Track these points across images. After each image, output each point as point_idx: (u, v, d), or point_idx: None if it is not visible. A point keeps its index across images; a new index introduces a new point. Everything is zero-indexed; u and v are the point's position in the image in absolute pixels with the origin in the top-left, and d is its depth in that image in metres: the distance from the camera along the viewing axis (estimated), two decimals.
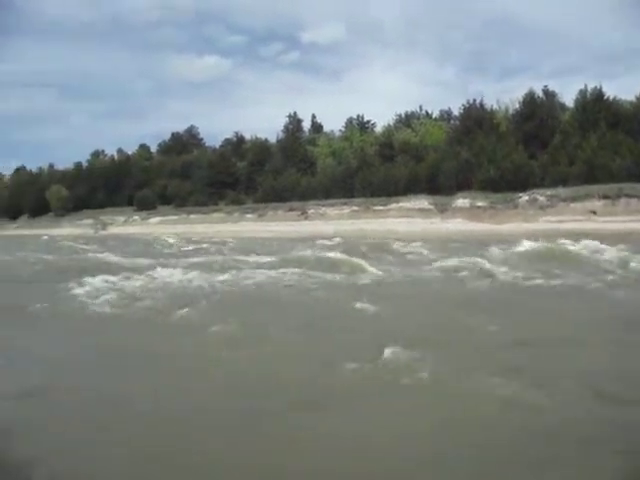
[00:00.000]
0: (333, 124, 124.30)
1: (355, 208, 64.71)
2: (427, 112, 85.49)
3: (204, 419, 6.08)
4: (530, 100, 66.40)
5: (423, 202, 60.22)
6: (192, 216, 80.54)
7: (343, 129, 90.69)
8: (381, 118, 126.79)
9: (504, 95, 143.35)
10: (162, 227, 72.82)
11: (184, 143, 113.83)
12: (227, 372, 7.66)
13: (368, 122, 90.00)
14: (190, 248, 34.52)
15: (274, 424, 5.80)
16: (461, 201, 57.72)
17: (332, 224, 56.93)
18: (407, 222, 54.13)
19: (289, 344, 8.99)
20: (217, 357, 8.35)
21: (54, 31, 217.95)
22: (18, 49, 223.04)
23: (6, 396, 6.92)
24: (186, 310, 11.85)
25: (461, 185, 59.87)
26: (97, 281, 16.75)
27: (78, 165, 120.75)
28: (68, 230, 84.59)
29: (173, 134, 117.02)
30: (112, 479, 4.96)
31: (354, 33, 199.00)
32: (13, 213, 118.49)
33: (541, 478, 4.66)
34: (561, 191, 52.92)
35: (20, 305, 14.14)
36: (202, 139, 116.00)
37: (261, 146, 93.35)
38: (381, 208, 62.01)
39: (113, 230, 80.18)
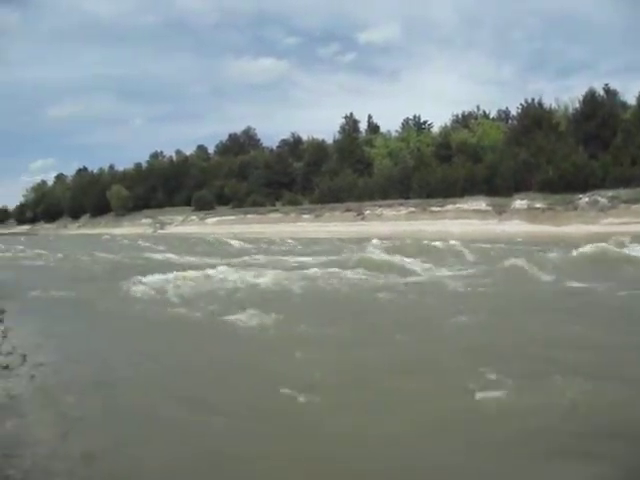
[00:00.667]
0: (390, 125, 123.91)
1: (412, 209, 64.46)
2: (484, 112, 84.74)
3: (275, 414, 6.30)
4: (591, 99, 65.07)
5: (480, 203, 59.63)
6: (249, 216, 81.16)
7: (400, 130, 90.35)
8: (438, 118, 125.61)
9: (563, 94, 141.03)
10: (219, 227, 73.62)
11: (241, 144, 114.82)
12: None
13: (425, 122, 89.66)
14: (247, 248, 34.86)
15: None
16: (519, 202, 57.00)
17: (388, 225, 56.88)
18: (464, 223, 53.67)
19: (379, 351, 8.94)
20: (290, 358, 8.51)
21: (113, 35, 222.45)
22: (78, 54, 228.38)
23: (68, 390, 7.25)
24: (243, 310, 12.06)
25: (519, 186, 59.11)
26: (156, 279, 17.18)
27: (138, 166, 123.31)
28: (128, 229, 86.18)
29: (230, 135, 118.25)
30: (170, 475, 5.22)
31: (411, 33, 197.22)
32: (75, 213, 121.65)
33: None
34: (623, 192, 51.76)
35: (85, 302, 14.67)
36: (259, 140, 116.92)
37: (318, 147, 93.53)
38: (438, 209, 61.67)
39: (171, 230, 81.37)
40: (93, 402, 6.89)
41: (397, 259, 20.19)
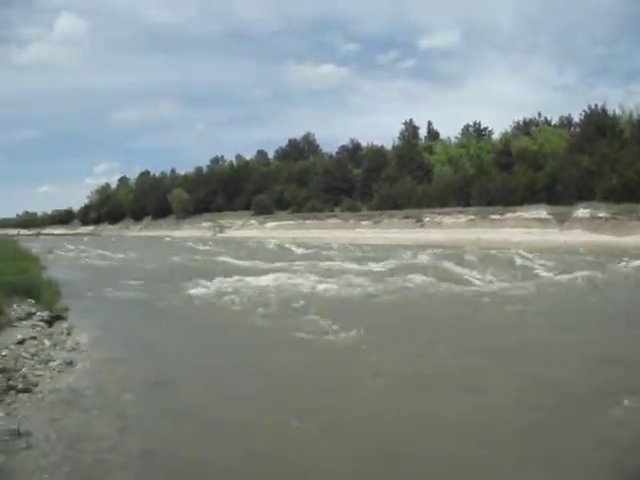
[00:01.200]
0: (449, 131, 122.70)
1: (471, 217, 63.70)
2: (546, 119, 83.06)
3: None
4: None
5: (541, 212, 58.56)
6: (308, 221, 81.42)
7: (459, 136, 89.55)
8: (498, 125, 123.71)
9: (628, 99, 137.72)
10: (278, 232, 74.03)
11: (301, 149, 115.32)
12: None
13: (485, 129, 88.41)
14: (306, 253, 34.97)
15: None
16: (581, 211, 55.74)
17: (447, 232, 56.41)
18: (524, 232, 52.79)
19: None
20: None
21: (176, 43, 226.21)
22: (143, 61, 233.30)
23: (128, 388, 7.45)
24: (302, 314, 12.18)
25: (581, 195, 57.77)
26: (216, 282, 17.47)
27: (199, 170, 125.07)
28: (188, 232, 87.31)
29: (290, 140, 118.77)
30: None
31: (471, 37, 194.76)
32: (137, 215, 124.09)
33: None
34: None
35: (145, 302, 15.00)
36: (318, 145, 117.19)
37: (377, 153, 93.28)
38: (498, 217, 60.78)
39: (230, 233, 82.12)
40: (151, 401, 7.09)
41: (466, 270, 19.96)
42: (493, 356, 8.94)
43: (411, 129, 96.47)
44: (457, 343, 9.85)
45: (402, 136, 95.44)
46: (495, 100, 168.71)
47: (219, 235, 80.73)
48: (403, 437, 5.94)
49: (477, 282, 17.59)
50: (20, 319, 11.24)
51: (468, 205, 67.16)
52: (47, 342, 9.89)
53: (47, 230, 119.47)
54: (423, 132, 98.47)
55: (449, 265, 21.30)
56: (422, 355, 9.02)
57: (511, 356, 9.03)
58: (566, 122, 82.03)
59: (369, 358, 8.77)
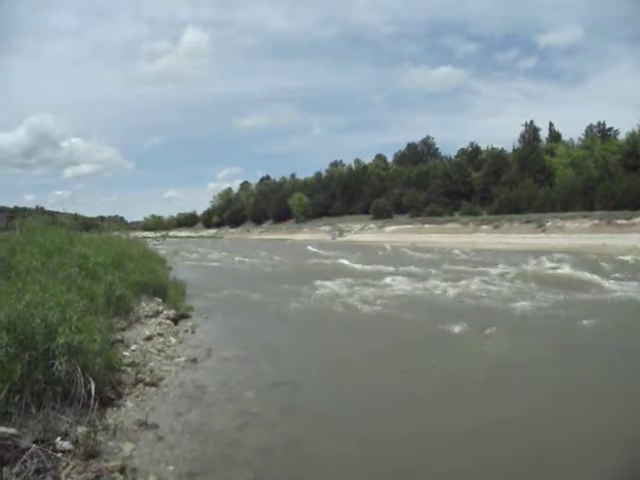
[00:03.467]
0: (572, 132, 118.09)
1: (596, 222, 61.31)
2: None
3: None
4: None
5: None
6: (426, 226, 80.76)
7: (583, 137, 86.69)
8: (625, 124, 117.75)
9: None
10: (397, 236, 73.74)
11: (419, 153, 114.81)
12: None
13: (610, 129, 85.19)
14: (426, 258, 34.72)
15: None
16: None
17: (571, 238, 54.66)
18: None
19: None
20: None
21: (295, 50, 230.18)
22: (264, 68, 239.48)
23: (248, 386, 7.71)
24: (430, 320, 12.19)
25: None
26: (336, 284, 17.68)
27: (318, 174, 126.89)
28: (308, 235, 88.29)
29: (409, 144, 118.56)
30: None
31: (595, 33, 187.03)
32: (258, 218, 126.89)
33: None
34: None
35: (266, 303, 15.38)
36: (437, 149, 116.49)
37: (497, 156, 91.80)
38: (624, 222, 58.27)
39: (349, 237, 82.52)
40: (272, 399, 7.26)
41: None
42: None
43: (532, 131, 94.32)
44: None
45: (522, 138, 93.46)
46: (622, 98, 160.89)
47: (338, 239, 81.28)
48: None
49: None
50: (148, 316, 11.80)
51: (592, 209, 64.84)
52: (173, 339, 10.35)
53: (172, 232, 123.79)
54: (544, 134, 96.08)
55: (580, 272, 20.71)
56: None
57: None
58: None
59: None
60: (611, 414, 6.56)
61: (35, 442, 4.74)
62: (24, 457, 4.54)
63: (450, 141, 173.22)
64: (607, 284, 17.80)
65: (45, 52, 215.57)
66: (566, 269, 22.07)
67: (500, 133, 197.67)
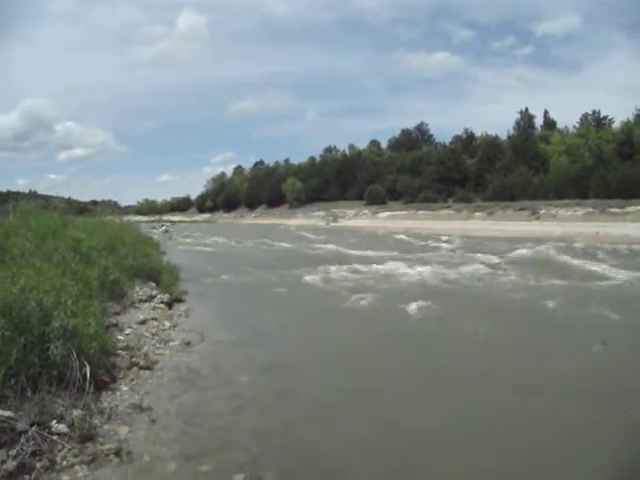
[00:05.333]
0: (567, 120, 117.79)
1: (589, 210, 61.22)
2: None
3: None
4: None
5: None
6: (420, 212, 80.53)
7: (577, 125, 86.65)
8: (620, 113, 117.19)
9: None
10: (390, 222, 73.61)
11: (413, 139, 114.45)
12: None
13: (605, 117, 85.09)
14: (420, 244, 34.79)
15: None
16: None
17: (564, 226, 54.72)
18: None
19: None
20: None
21: (290, 34, 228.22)
22: (257, 52, 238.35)
23: (242, 370, 7.75)
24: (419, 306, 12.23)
25: None
26: (329, 270, 17.75)
27: (312, 159, 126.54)
28: (301, 221, 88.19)
29: (403, 130, 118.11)
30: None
31: (592, 21, 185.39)
32: (251, 203, 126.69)
33: None
34: None
35: (259, 287, 15.46)
36: (432, 135, 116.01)
37: (491, 143, 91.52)
38: (618, 211, 58.26)
39: (343, 223, 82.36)
40: (265, 383, 7.32)
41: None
42: None
43: (527, 118, 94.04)
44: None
45: (517, 125, 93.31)
46: (618, 87, 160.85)
47: (332, 224, 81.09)
48: None
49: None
50: (142, 301, 11.85)
51: (586, 197, 64.88)
52: (167, 323, 10.39)
53: (165, 217, 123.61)
54: (539, 121, 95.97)
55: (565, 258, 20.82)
56: None
57: None
58: None
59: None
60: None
61: (31, 425, 4.79)
62: (21, 440, 4.59)
63: (448, 127, 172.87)
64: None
65: (42, 37, 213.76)
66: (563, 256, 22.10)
67: (497, 119, 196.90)
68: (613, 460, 5.21)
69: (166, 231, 56.87)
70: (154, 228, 53.78)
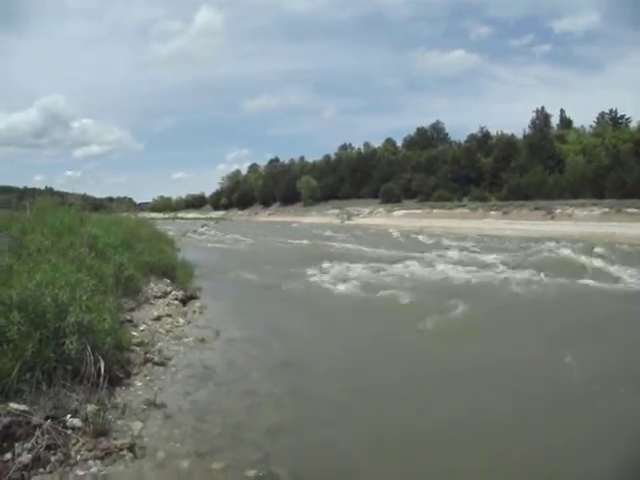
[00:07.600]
0: (584, 119, 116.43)
1: (605, 210, 60.84)
2: None
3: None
4: None
5: None
6: (435, 211, 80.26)
7: (594, 124, 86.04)
8: (638, 112, 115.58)
9: None
10: (405, 220, 73.37)
11: (429, 138, 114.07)
12: None
13: (622, 117, 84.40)
14: (431, 242, 34.66)
15: None
16: None
17: (580, 226, 54.40)
18: None
19: None
20: None
21: (309, 31, 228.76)
22: (276, 49, 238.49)
23: (256, 367, 7.79)
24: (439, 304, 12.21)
25: None
26: (341, 268, 17.75)
27: (327, 157, 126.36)
28: (316, 219, 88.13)
29: (418, 129, 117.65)
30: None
31: (612, 19, 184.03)
32: (266, 200, 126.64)
33: None
34: None
35: (273, 285, 15.45)
36: (447, 134, 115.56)
37: (507, 142, 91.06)
38: (635, 211, 57.89)
39: (358, 221, 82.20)
40: (279, 380, 7.32)
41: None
42: None
43: (542, 117, 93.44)
44: None
45: (533, 124, 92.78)
46: (635, 86, 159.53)
47: (346, 222, 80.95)
48: None
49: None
50: (157, 297, 11.90)
51: (602, 197, 64.45)
52: (181, 320, 10.43)
53: (180, 214, 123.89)
54: (556, 120, 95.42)
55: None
56: None
57: None
58: None
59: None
60: None
61: (46, 419, 4.83)
62: (36, 433, 4.63)
63: (465, 126, 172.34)
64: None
65: (60, 34, 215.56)
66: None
67: (516, 118, 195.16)
68: None
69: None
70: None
